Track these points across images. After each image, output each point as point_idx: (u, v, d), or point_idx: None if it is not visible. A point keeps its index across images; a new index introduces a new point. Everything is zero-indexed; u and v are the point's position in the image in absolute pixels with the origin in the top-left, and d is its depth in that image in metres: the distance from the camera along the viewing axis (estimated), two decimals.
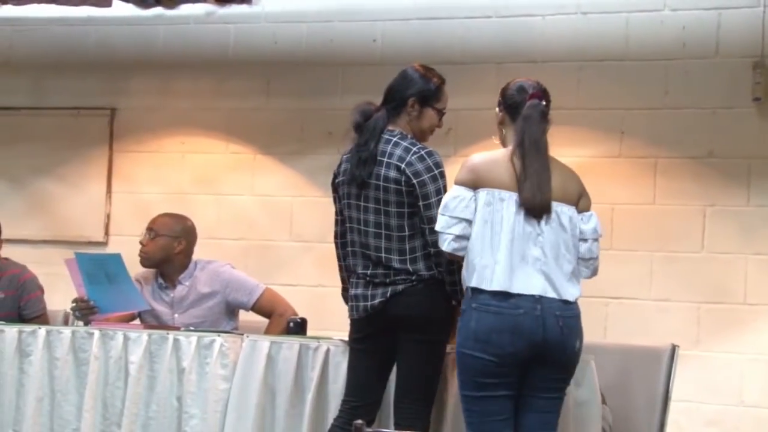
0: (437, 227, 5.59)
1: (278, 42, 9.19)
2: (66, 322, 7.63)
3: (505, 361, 5.48)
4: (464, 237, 5.50)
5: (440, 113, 6.06)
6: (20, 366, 6.81)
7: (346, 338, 6.22)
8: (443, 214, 5.56)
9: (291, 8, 9.10)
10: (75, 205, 9.47)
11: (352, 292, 5.96)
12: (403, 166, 5.83)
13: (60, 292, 7.83)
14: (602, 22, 8.42)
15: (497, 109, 5.77)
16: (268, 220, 8.98)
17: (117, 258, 7.18)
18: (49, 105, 9.58)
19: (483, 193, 5.51)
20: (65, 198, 9.48)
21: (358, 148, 5.93)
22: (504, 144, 5.75)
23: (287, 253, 8.55)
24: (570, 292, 5.60)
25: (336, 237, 6.09)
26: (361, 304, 5.87)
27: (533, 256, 5.52)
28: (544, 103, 5.67)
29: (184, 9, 9.32)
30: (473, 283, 5.49)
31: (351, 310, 5.97)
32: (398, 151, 5.84)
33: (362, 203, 5.89)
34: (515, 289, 5.49)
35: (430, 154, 5.89)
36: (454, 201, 5.53)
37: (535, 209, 5.55)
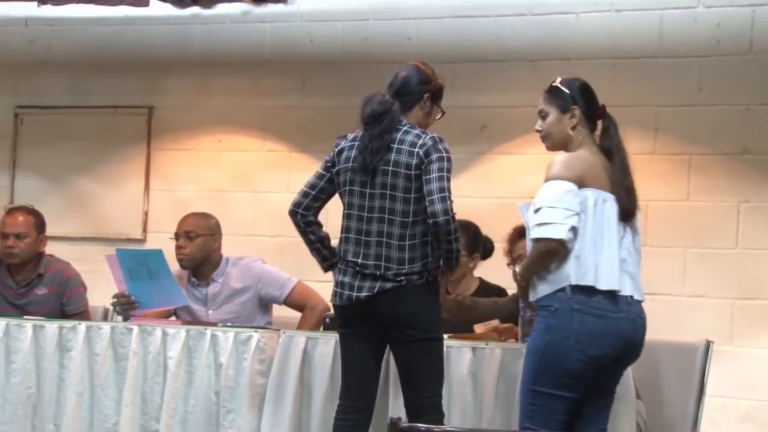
0: (549, 214, 5.48)
1: (313, 40, 9.20)
2: (105, 318, 7.69)
3: (596, 362, 5.50)
4: (577, 229, 5.46)
5: (443, 112, 6.12)
6: (60, 361, 6.85)
7: None
8: (557, 207, 5.46)
9: (326, 7, 9.12)
10: (114, 202, 9.52)
11: (339, 278, 5.96)
12: (416, 149, 5.84)
13: (100, 288, 7.86)
14: (636, 19, 8.41)
15: (575, 108, 5.69)
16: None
17: (159, 254, 7.18)
18: (87, 104, 9.63)
19: (590, 193, 5.49)
20: (104, 196, 9.52)
21: (372, 138, 5.92)
22: (565, 142, 5.72)
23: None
24: (642, 292, 5.65)
25: (297, 206, 6.16)
26: (346, 292, 5.88)
27: (622, 257, 5.54)
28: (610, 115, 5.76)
29: (221, 8, 9.35)
30: (583, 282, 5.44)
31: (334, 295, 5.99)
32: (410, 138, 5.87)
33: (368, 190, 5.90)
34: (625, 291, 5.52)
35: (441, 140, 5.90)
36: (569, 195, 5.46)
37: (631, 214, 5.64)
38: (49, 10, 9.65)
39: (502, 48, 8.48)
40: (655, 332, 6.43)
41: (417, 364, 5.89)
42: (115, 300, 7.25)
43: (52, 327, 6.92)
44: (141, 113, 9.57)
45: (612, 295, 5.45)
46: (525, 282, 5.69)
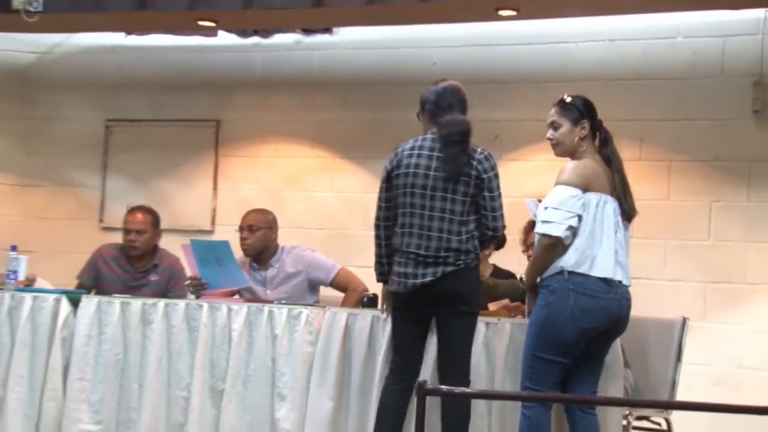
0: (553, 214, 5.57)
1: (354, 65, 9.21)
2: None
3: (587, 334, 5.59)
4: (575, 228, 5.55)
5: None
6: (143, 332, 6.89)
7: None
8: (560, 209, 5.56)
9: (364, 37, 9.13)
10: (187, 200, 9.55)
11: (400, 269, 5.91)
12: (474, 163, 5.87)
13: None
14: (625, 47, 8.40)
15: (585, 122, 5.73)
16: (346, 213, 9.00)
17: (226, 244, 7.25)
18: (165, 118, 9.65)
19: (594, 196, 5.59)
20: (179, 194, 9.56)
21: (459, 153, 5.91)
22: (573, 152, 5.75)
23: (361, 239, 8.53)
24: (629, 278, 5.73)
25: (379, 220, 6.05)
26: (410, 281, 5.85)
27: (615, 249, 5.61)
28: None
29: (277, 38, 9.43)
30: (579, 270, 5.55)
31: (396, 285, 5.94)
32: (478, 155, 5.93)
33: (428, 192, 5.86)
34: (616, 277, 5.60)
35: (491, 156, 5.97)
36: (572, 199, 5.55)
37: (630, 216, 5.76)
38: (134, 39, 9.73)
39: (512, 71, 8.48)
40: (640, 311, 6.43)
41: (461, 335, 5.93)
42: (188, 282, 7.30)
43: (137, 303, 6.97)
44: (210, 126, 9.58)
45: (605, 280, 5.53)
46: (533, 278, 5.75)
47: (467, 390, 5.90)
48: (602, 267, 5.55)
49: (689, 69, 8.23)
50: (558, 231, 5.52)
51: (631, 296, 5.70)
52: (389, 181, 5.99)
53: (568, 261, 5.55)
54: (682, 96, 8.21)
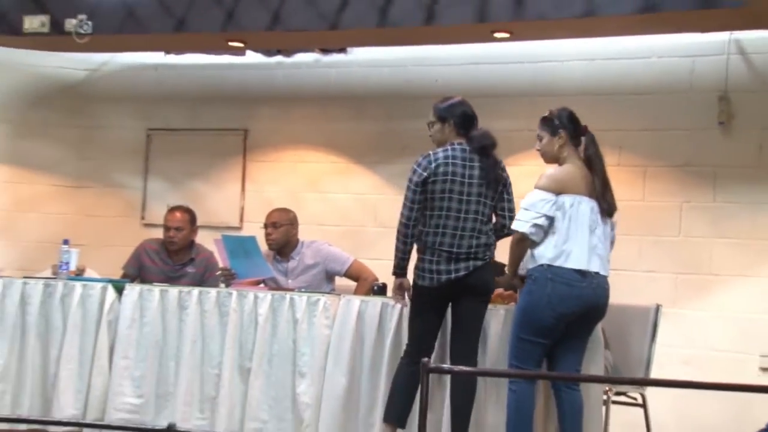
0: (523, 214, 5.69)
1: (366, 81, 9.22)
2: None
3: (564, 318, 5.63)
4: (541, 227, 5.62)
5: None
6: (180, 317, 6.90)
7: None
8: (530, 210, 5.67)
9: (376, 57, 9.13)
10: (218, 199, 9.56)
11: (432, 266, 5.89)
12: (500, 172, 5.98)
13: None
14: (606, 66, 8.41)
15: (562, 132, 5.79)
16: (358, 212, 9.00)
17: (253, 239, 7.31)
18: (199, 127, 9.66)
19: (568, 198, 5.64)
20: (211, 194, 9.56)
21: (494, 163, 5.99)
22: (555, 158, 5.79)
23: (372, 235, 8.56)
24: (608, 269, 5.77)
25: (409, 220, 5.94)
26: (444, 276, 5.85)
27: (594, 243, 5.65)
28: (590, 132, 5.85)
29: (298, 57, 9.43)
30: (556, 263, 5.62)
31: (428, 280, 5.89)
32: (502, 165, 6.03)
33: (464, 197, 5.88)
34: (591, 268, 5.64)
35: (506, 166, 6.08)
36: (542, 202, 5.63)
37: (612, 211, 5.78)
38: (172, 58, 9.74)
39: (506, 87, 8.49)
40: (619, 299, 6.44)
41: (479, 322, 5.98)
42: (219, 272, 7.33)
43: (174, 291, 6.98)
44: (239, 134, 9.58)
45: (580, 271, 5.59)
46: (512, 267, 5.90)
47: (466, 368, 5.92)
48: (576, 259, 5.60)
49: (662, 85, 8.23)
50: (524, 228, 5.64)
51: (609, 285, 5.73)
52: (424, 186, 5.92)
53: (547, 255, 5.62)
54: (656, 109, 8.21)
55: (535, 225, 5.60)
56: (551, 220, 5.60)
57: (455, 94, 6.20)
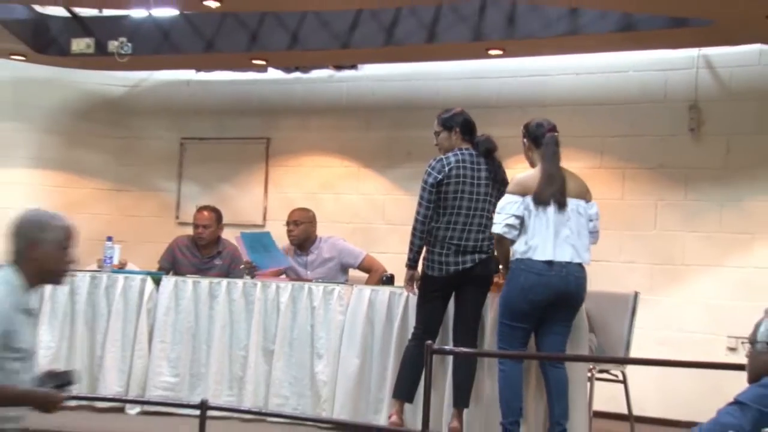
0: (497, 219, 5.74)
1: (375, 94, 9.23)
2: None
3: (535, 305, 5.64)
4: (513, 226, 5.66)
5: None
6: (210, 305, 6.94)
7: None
8: (501, 213, 5.71)
9: (383, 72, 9.14)
10: (244, 200, 9.56)
11: (441, 258, 5.93)
12: (503, 175, 6.03)
13: None
14: (589, 79, 8.42)
15: (524, 140, 5.86)
16: (369, 211, 9.01)
17: (268, 234, 7.44)
18: (227, 136, 9.66)
19: (530, 199, 5.68)
20: (238, 196, 9.56)
21: (498, 165, 6.05)
22: (532, 163, 5.84)
23: (381, 232, 8.58)
24: (585, 257, 5.74)
25: (425, 218, 5.95)
26: (452, 267, 5.90)
27: (565, 234, 5.65)
28: (556, 134, 5.78)
29: (314, 73, 9.46)
30: (527, 255, 5.64)
31: (438, 271, 5.93)
32: (495, 166, 6.04)
33: (474, 196, 5.92)
34: (557, 258, 5.62)
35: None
36: (510, 204, 5.68)
37: (563, 205, 5.70)
38: (202, 75, 9.76)
39: (500, 98, 8.50)
40: (601, 286, 6.48)
41: (479, 307, 6.01)
42: (243, 266, 7.34)
43: (205, 282, 7.02)
44: (262, 142, 9.57)
45: (547, 261, 5.60)
46: (503, 263, 5.92)
47: (464, 349, 5.94)
48: (542, 252, 5.61)
49: (638, 96, 8.23)
50: (498, 229, 5.69)
51: (585, 272, 5.72)
52: (438, 187, 5.94)
53: (519, 250, 5.67)
54: (633, 117, 8.21)
55: (507, 225, 5.64)
56: (521, 219, 5.64)
57: (455, 106, 6.22)
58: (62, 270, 3.94)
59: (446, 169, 5.93)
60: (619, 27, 7.49)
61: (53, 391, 3.96)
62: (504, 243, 5.74)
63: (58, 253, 3.86)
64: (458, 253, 5.89)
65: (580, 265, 5.69)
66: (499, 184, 5.98)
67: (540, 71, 8.53)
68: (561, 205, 5.66)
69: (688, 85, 8.02)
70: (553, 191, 5.66)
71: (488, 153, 6.02)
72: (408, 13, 8.06)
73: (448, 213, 5.92)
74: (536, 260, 5.59)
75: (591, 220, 5.80)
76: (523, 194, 5.65)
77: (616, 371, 6.61)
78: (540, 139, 5.80)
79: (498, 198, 5.88)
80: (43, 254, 3.82)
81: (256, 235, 7.55)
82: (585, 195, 5.81)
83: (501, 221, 5.66)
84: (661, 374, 7.10)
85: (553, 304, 5.66)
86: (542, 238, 5.61)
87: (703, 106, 7.98)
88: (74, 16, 8.61)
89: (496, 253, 5.95)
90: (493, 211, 5.85)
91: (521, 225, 5.63)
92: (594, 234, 5.84)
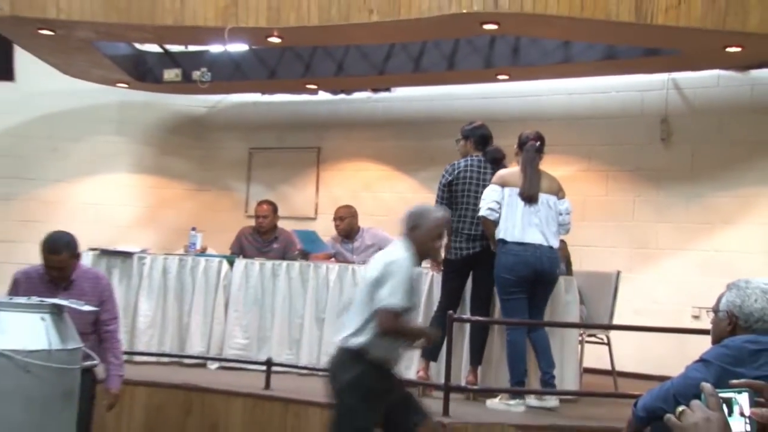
0: (481, 204, 5.77)
1: (404, 111, 9.23)
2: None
3: (520, 280, 5.64)
4: (493, 210, 5.68)
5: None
6: (273, 282, 7.00)
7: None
8: (485, 200, 5.74)
9: (411, 94, 9.12)
10: (299, 198, 9.58)
11: (456, 245, 5.97)
12: None
13: None
14: (578, 98, 8.42)
15: (517, 149, 5.88)
16: (401, 206, 8.81)
17: (315, 232, 7.56)
18: (286, 146, 9.69)
19: (507, 190, 5.71)
20: (294, 194, 9.60)
21: (493, 168, 5.97)
22: (519, 164, 5.88)
23: None
24: (554, 242, 5.72)
25: None
26: (464, 252, 5.92)
27: (535, 222, 5.69)
28: (538, 143, 5.80)
29: (355, 95, 9.46)
30: (504, 236, 5.66)
31: (454, 255, 5.96)
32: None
33: (480, 195, 5.89)
34: (526, 240, 5.62)
35: None
36: (492, 193, 5.72)
37: (533, 200, 5.70)
38: (267, 97, 9.79)
39: (505, 114, 8.46)
40: (590, 267, 6.46)
41: (491, 284, 5.94)
42: (297, 252, 7.39)
43: (268, 264, 7.07)
44: (313, 151, 9.59)
45: (519, 243, 5.62)
46: (491, 240, 5.84)
47: (479, 318, 5.95)
48: (514, 234, 5.63)
49: (620, 112, 8.20)
50: (481, 212, 5.72)
51: (557, 254, 5.78)
52: (449, 187, 5.98)
53: (499, 233, 5.68)
54: (615, 129, 8.18)
55: (489, 208, 5.69)
56: (500, 204, 5.67)
57: (471, 121, 6.24)
58: (433, 249, 4.45)
59: (456, 172, 5.97)
60: (603, 56, 7.49)
61: (433, 330, 4.63)
62: (488, 223, 5.75)
63: (431, 237, 4.25)
64: (469, 240, 5.89)
65: (551, 248, 5.70)
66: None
67: (538, 92, 8.51)
68: (532, 199, 5.70)
69: (659, 103, 7.99)
70: (524, 188, 5.72)
71: (495, 161, 6.01)
72: (432, 45, 8.08)
73: (459, 208, 5.93)
74: (511, 241, 5.62)
75: (561, 214, 5.80)
76: (502, 185, 5.71)
77: (601, 335, 6.61)
78: (524, 146, 5.85)
79: None
80: (421, 236, 4.16)
81: (306, 232, 7.67)
82: (557, 192, 5.83)
83: (484, 206, 5.73)
84: (638, 338, 7.06)
85: (533, 281, 5.67)
86: (512, 222, 5.65)
87: (672, 120, 7.94)
88: (165, 51, 8.67)
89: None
90: (499, 209, 5.86)
91: (500, 209, 5.68)
92: (563, 226, 5.84)
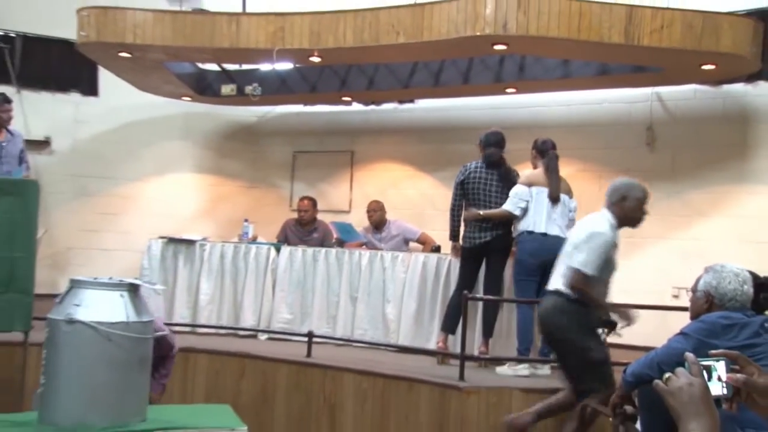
0: (509, 201, 5.77)
1: (426, 120, 9.20)
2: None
3: (539, 263, 5.65)
4: (522, 208, 5.72)
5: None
6: (314, 266, 7.07)
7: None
8: (514, 198, 5.76)
9: (432, 105, 9.08)
10: (336, 194, 9.57)
11: (468, 235, 5.97)
12: (512, 177, 5.99)
13: None
14: (576, 109, 8.37)
15: (533, 151, 5.87)
16: (423, 202, 8.99)
17: (350, 224, 7.63)
18: (324, 149, 9.68)
19: (534, 189, 5.76)
20: (331, 191, 9.59)
21: (499, 173, 5.98)
22: (534, 166, 5.85)
23: (431, 216, 8.57)
24: (565, 233, 5.66)
25: (454, 208, 6.04)
26: (477, 240, 5.92)
27: (554, 218, 5.75)
28: (557, 151, 5.80)
29: (384, 106, 9.41)
30: (528, 228, 5.70)
31: (468, 243, 5.98)
32: (514, 172, 6.05)
33: (486, 193, 5.93)
34: (548, 231, 5.68)
35: (517, 172, 6.09)
36: (521, 192, 5.74)
37: (556, 200, 5.77)
38: (308, 108, 9.75)
39: (514, 122, 8.40)
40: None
41: (500, 268, 5.97)
42: (334, 241, 7.42)
43: (309, 250, 7.10)
44: (348, 154, 9.56)
45: (542, 233, 5.65)
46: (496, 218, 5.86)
47: (491, 297, 5.95)
48: (539, 227, 5.66)
49: (611, 120, 8.14)
50: (511, 208, 5.73)
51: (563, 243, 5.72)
52: (462, 186, 6.01)
53: (526, 226, 5.70)
54: (607, 135, 8.12)
55: (519, 207, 5.70)
56: (527, 202, 5.62)
57: (483, 129, 6.24)
58: (639, 219, 4.39)
59: (466, 173, 6.02)
60: (597, 72, 7.47)
61: (632, 310, 4.47)
62: (511, 219, 5.77)
63: (637, 207, 4.11)
64: (480, 230, 5.90)
65: (563, 237, 5.70)
66: (509, 184, 5.93)
67: (541, 103, 8.46)
68: (556, 200, 5.71)
69: (645, 113, 7.92)
70: (551, 190, 5.70)
71: (491, 164, 6.00)
72: (449, 64, 8.07)
73: (471, 203, 5.94)
74: (537, 232, 5.63)
75: (570, 211, 5.83)
76: (529, 185, 5.68)
77: None
78: (545, 153, 5.83)
79: (503, 192, 5.87)
80: (630, 207, 4.11)
81: (343, 224, 7.69)
82: (568, 192, 5.91)
83: (515, 204, 5.69)
84: None
85: (550, 264, 5.64)
86: (539, 217, 5.69)
87: (656, 128, 7.86)
88: (223, 69, 8.72)
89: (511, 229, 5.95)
90: (501, 202, 5.84)
91: (526, 207, 5.65)
92: (571, 221, 5.86)
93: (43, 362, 3.56)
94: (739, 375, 1.53)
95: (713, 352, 1.58)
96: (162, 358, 4.62)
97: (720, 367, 1.55)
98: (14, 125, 7.05)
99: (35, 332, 4.92)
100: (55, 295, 3.77)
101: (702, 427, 1.38)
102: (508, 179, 6.00)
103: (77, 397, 3.43)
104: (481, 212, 5.87)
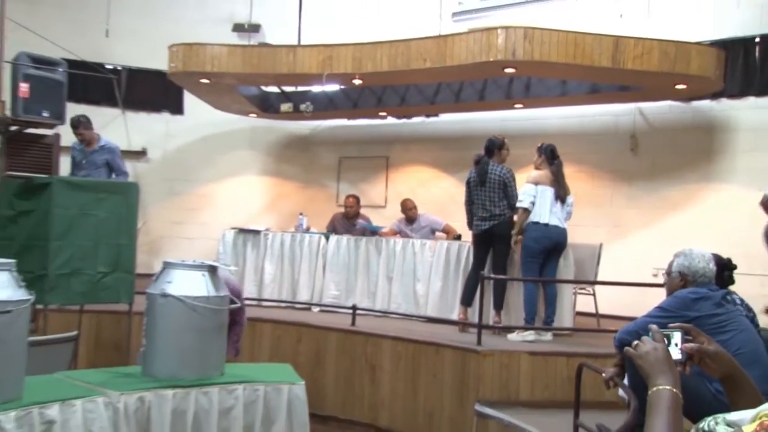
0: (522, 197, 5.66)
1: (448, 131, 9.16)
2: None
3: (542, 248, 5.64)
4: (533, 203, 5.64)
5: (508, 152, 6.08)
6: (356, 251, 7.04)
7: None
8: (525, 195, 5.67)
9: (453, 118, 9.04)
10: (374, 192, 9.55)
11: (475, 223, 5.94)
12: (501, 174, 5.87)
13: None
14: (572, 121, 8.28)
15: (541, 156, 5.84)
16: (446, 198, 8.96)
17: (374, 226, 7.48)
18: (364, 155, 9.67)
19: (540, 187, 5.70)
20: (370, 190, 9.58)
21: (480, 170, 5.89)
22: (538, 168, 5.79)
23: (452, 210, 8.53)
24: (564, 224, 5.73)
25: (467, 203, 6.04)
26: (480, 228, 5.89)
27: (555, 211, 5.69)
28: (560, 158, 5.76)
29: (414, 119, 9.37)
30: (534, 220, 5.65)
31: (476, 230, 5.96)
32: (497, 169, 5.91)
33: (480, 191, 5.88)
34: (550, 222, 5.63)
35: (509, 170, 5.95)
36: (529, 189, 5.66)
37: (563, 198, 5.73)
38: (351, 121, 9.76)
39: (521, 132, 8.38)
40: (579, 240, 6.36)
41: (504, 252, 5.91)
42: (379, 231, 7.41)
43: (353, 238, 7.09)
44: (384, 159, 9.54)
45: (545, 224, 5.59)
46: (518, 228, 5.77)
47: (501, 276, 5.95)
48: (543, 218, 5.61)
49: (601, 130, 8.05)
50: (524, 205, 5.67)
51: (566, 232, 5.73)
52: (468, 185, 6.01)
53: (531, 217, 5.65)
54: (599, 142, 8.03)
55: (531, 202, 5.66)
56: (534, 197, 5.61)
57: (496, 138, 6.19)
58: None
59: (470, 174, 6.02)
60: (589, 90, 7.42)
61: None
62: (524, 215, 5.73)
63: None
64: (481, 220, 5.90)
65: (564, 228, 5.69)
66: (498, 184, 5.87)
67: (543, 116, 8.39)
68: (561, 199, 5.72)
69: (629, 124, 7.83)
70: (559, 191, 5.70)
71: (475, 164, 5.97)
72: (468, 84, 8.05)
73: (474, 198, 5.96)
74: (541, 223, 5.62)
75: (568, 206, 5.82)
76: (536, 183, 5.67)
77: (589, 289, 6.56)
78: (552, 160, 5.81)
79: (502, 191, 5.82)
80: None
81: (367, 223, 7.67)
82: (568, 191, 5.83)
83: (527, 200, 5.66)
84: (614, 290, 6.96)
85: (550, 249, 5.67)
86: (544, 211, 5.65)
87: (639, 136, 7.78)
88: (282, 91, 8.79)
89: (515, 218, 5.90)
90: (497, 198, 5.81)
91: (533, 203, 5.65)
92: (569, 215, 5.84)
93: (144, 327, 3.69)
94: (691, 344, 1.55)
95: (671, 325, 1.61)
96: (235, 325, 4.72)
97: (677, 337, 1.57)
98: (117, 140, 7.10)
99: (137, 304, 5.07)
100: (151, 275, 3.91)
101: (666, 381, 1.41)
102: (483, 172, 5.92)
103: (170, 356, 3.54)
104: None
